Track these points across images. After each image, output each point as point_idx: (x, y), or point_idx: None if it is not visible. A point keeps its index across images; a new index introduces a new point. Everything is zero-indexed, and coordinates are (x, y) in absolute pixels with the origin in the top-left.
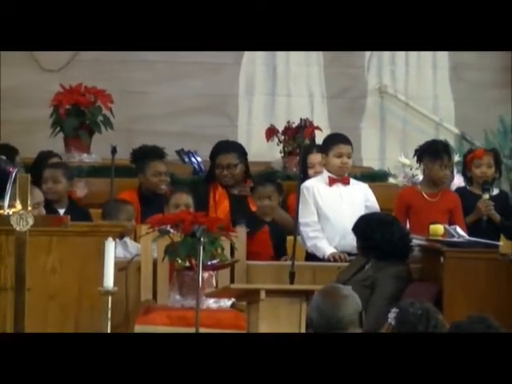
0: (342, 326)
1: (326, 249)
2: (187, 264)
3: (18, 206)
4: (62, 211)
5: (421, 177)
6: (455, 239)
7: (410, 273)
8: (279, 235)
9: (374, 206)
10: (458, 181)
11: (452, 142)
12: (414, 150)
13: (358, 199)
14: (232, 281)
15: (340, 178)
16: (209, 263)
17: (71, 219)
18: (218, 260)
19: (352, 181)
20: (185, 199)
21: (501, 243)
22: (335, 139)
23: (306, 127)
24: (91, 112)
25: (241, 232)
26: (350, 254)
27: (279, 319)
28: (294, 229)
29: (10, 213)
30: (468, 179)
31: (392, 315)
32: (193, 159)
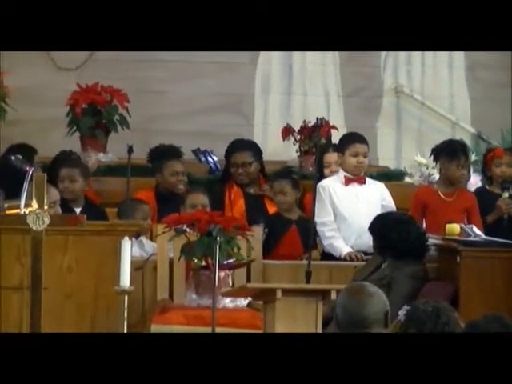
0: (366, 325)
1: (343, 248)
2: (203, 263)
3: (35, 205)
4: (78, 210)
5: (437, 176)
6: (471, 238)
7: (427, 272)
8: (308, 231)
9: (391, 205)
10: (475, 180)
11: (468, 142)
12: (431, 149)
13: (374, 198)
14: (248, 280)
15: (356, 177)
16: (225, 262)
17: (87, 218)
18: (234, 259)
19: (368, 180)
20: (201, 199)
21: None
22: (351, 138)
23: (322, 126)
24: (107, 111)
25: (257, 231)
26: (366, 254)
27: (295, 318)
28: (309, 228)
29: (27, 212)
30: (488, 178)
31: (402, 312)
32: (209, 158)
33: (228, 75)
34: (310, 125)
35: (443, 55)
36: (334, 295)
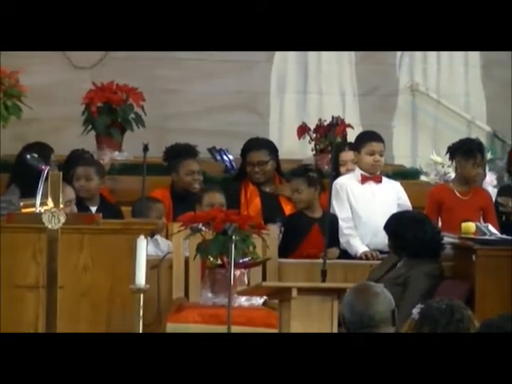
0: (374, 324)
1: (359, 247)
2: (219, 262)
3: (50, 203)
4: (93, 209)
5: (453, 175)
6: (487, 237)
7: (442, 271)
8: (331, 228)
9: (406, 204)
10: (490, 179)
11: (483, 140)
12: (447, 147)
13: (390, 197)
14: (264, 279)
15: (372, 175)
16: (240, 261)
17: (103, 217)
18: (250, 258)
19: (384, 179)
20: (218, 198)
21: None
22: (367, 137)
23: (338, 125)
24: (123, 110)
25: (272, 230)
26: (381, 252)
27: (311, 317)
28: (325, 226)
29: (42, 211)
30: (511, 176)
31: (416, 310)
32: (224, 157)
33: (244, 74)
34: (325, 123)
35: (459, 54)
36: None
